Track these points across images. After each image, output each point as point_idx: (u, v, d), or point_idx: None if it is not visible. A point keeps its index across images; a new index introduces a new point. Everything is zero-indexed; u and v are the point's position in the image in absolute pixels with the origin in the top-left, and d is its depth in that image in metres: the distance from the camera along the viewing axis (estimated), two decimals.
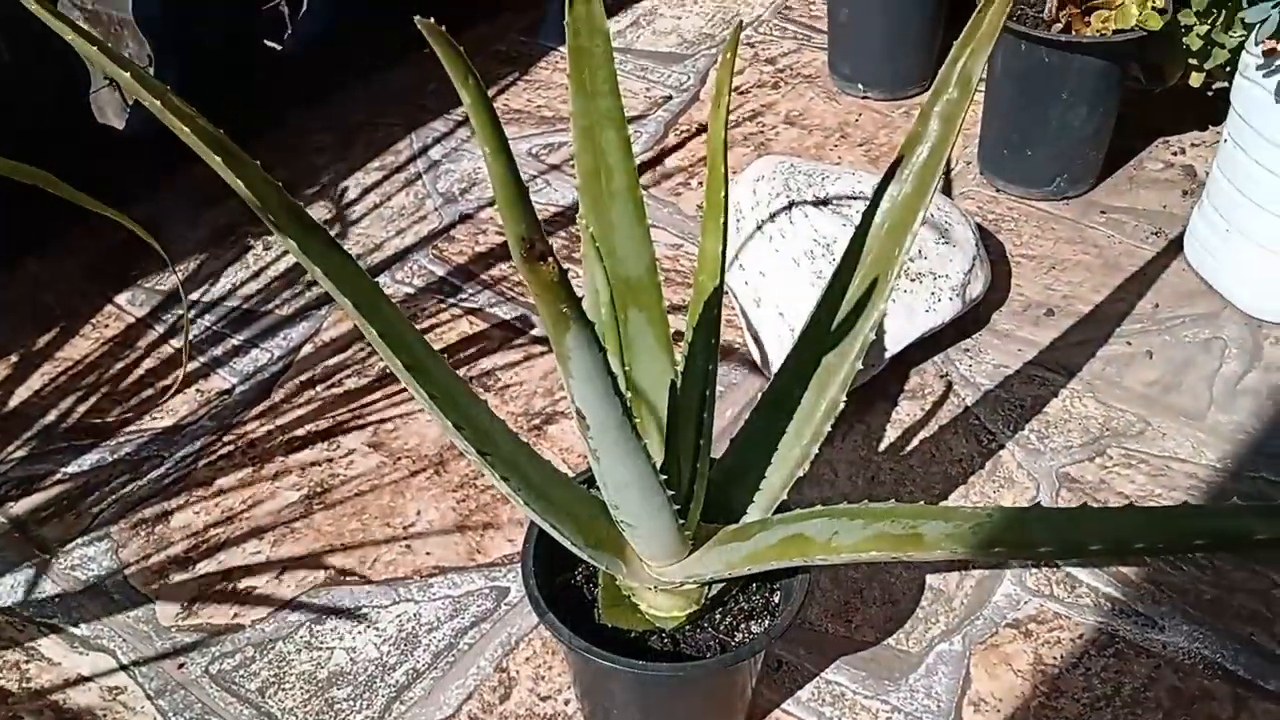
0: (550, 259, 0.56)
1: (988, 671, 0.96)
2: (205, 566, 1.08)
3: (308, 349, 1.30)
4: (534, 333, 1.30)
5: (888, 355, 1.17)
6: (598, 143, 0.77)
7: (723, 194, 0.70)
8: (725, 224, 0.71)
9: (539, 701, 0.96)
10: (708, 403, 0.77)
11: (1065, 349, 1.25)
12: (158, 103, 0.61)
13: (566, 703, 0.95)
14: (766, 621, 0.85)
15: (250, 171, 0.64)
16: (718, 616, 0.86)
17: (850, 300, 0.81)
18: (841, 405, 0.81)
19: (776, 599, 0.87)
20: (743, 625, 0.85)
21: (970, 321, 1.27)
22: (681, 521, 0.78)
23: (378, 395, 1.24)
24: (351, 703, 0.96)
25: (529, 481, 0.76)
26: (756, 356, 1.23)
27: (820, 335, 0.83)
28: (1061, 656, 0.97)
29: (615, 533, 0.81)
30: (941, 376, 1.22)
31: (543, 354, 1.28)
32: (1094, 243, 1.39)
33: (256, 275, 1.41)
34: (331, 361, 1.28)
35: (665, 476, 0.74)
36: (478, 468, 0.92)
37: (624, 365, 0.80)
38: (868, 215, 0.81)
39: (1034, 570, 1.03)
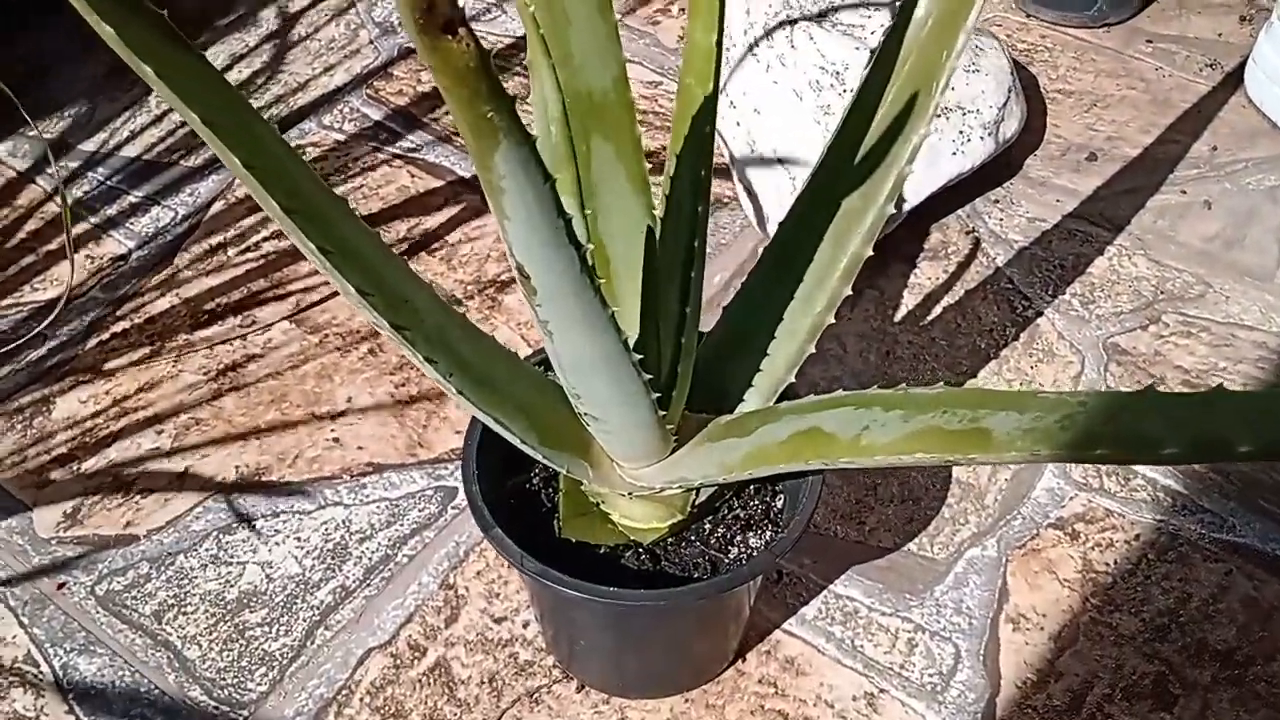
0: (463, 31, 0.37)
1: (1028, 581, 0.81)
2: (93, 465, 0.90)
3: (219, 206, 1.10)
4: None
5: (906, 207, 0.99)
6: None
7: None
8: (721, 7, 0.51)
9: (492, 624, 0.80)
10: (696, 258, 0.58)
11: (1110, 199, 1.07)
12: None
13: (525, 625, 0.79)
14: (768, 532, 0.69)
15: None
16: (707, 527, 0.69)
17: (882, 122, 0.61)
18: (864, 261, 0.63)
19: (780, 504, 0.70)
20: (739, 537, 0.69)
21: (1000, 168, 1.08)
22: (662, 413, 0.61)
23: (302, 263, 1.04)
24: (267, 628, 0.80)
25: (463, 363, 0.58)
26: (750, 212, 1.04)
27: (838, 172, 0.64)
28: (1115, 562, 0.82)
29: (578, 427, 0.64)
30: (967, 233, 1.04)
31: None
32: (1140, 76, 1.19)
33: (159, 120, 1.19)
34: (247, 222, 1.08)
35: (641, 356, 0.56)
36: None
37: (584, 211, 0.61)
38: (907, 8, 0.61)
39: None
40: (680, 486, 0.65)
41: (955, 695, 0.75)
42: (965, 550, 0.83)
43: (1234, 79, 1.18)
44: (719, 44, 0.53)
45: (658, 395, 0.59)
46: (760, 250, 0.68)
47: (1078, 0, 1.23)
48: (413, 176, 1.12)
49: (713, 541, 0.69)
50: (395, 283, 0.56)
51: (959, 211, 1.06)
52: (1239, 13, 1.26)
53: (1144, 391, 0.45)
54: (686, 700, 0.75)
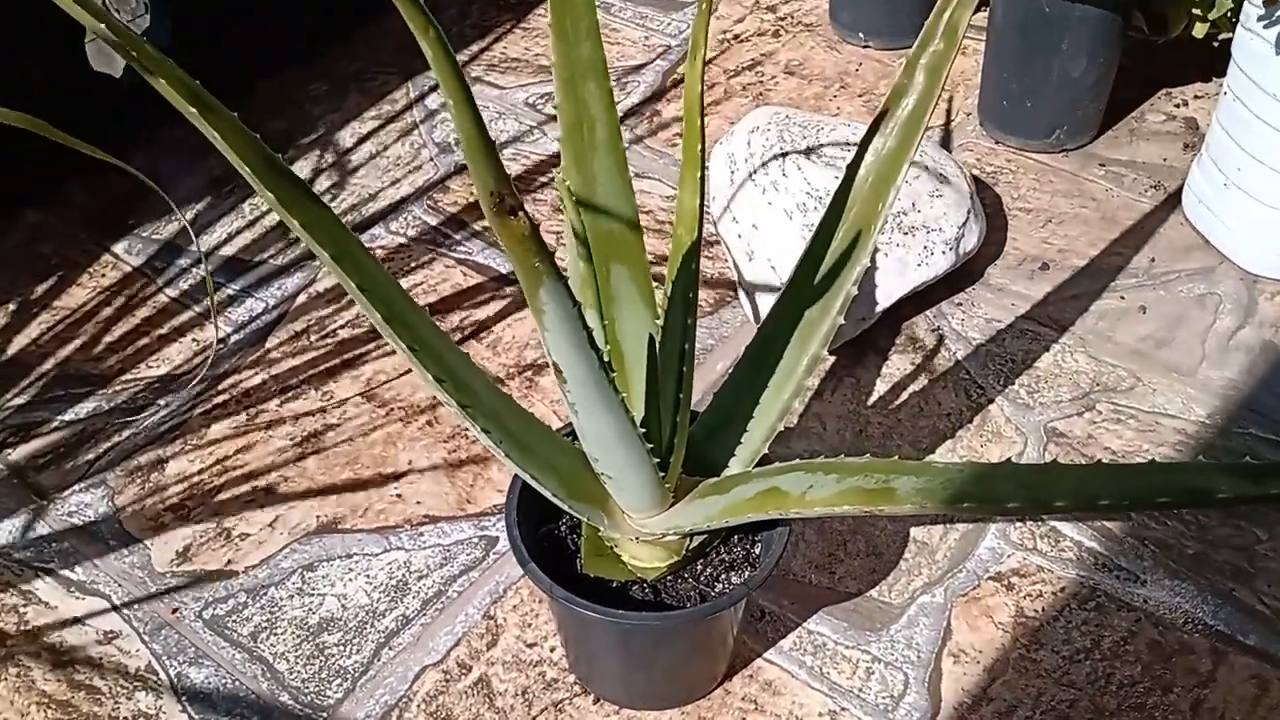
0: (520, 213, 0.56)
1: (969, 623, 0.98)
2: (199, 513, 1.09)
3: (302, 299, 1.31)
4: None
5: (879, 309, 1.17)
6: (580, 94, 0.77)
7: (699, 148, 0.69)
8: (702, 179, 0.71)
9: (525, 648, 0.97)
10: (687, 356, 0.77)
11: (1059, 303, 1.25)
12: (133, 53, 0.61)
13: (552, 650, 0.97)
14: (747, 572, 0.86)
15: (225, 123, 0.64)
16: (699, 567, 0.87)
17: (833, 254, 0.81)
18: (823, 359, 0.82)
19: (758, 550, 0.88)
20: (724, 576, 0.86)
21: (964, 275, 1.27)
22: (662, 474, 0.79)
23: (371, 346, 1.24)
24: (342, 648, 0.98)
25: (510, 433, 0.77)
26: (749, 310, 1.23)
27: (803, 289, 0.83)
28: (1043, 609, 0.98)
29: (597, 485, 0.82)
30: (933, 330, 1.22)
31: None
32: (1092, 196, 1.38)
33: (251, 225, 1.41)
34: (325, 312, 1.29)
35: (645, 430, 0.75)
36: None
37: (603, 320, 0.80)
38: (851, 169, 0.80)
39: (1018, 524, 1.04)
40: (676, 533, 0.83)
41: (903, 714, 0.92)
42: (917, 596, 1.00)
43: (1174, 199, 1.36)
44: (701, 207, 0.72)
45: (658, 461, 0.78)
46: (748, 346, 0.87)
47: (1039, 129, 1.42)
48: (464, 275, 1.32)
49: (703, 579, 0.86)
50: (461, 372, 0.75)
51: (927, 312, 1.24)
52: (1183, 140, 1.45)
53: (1001, 464, 0.63)
54: (683, 713, 0.92)
